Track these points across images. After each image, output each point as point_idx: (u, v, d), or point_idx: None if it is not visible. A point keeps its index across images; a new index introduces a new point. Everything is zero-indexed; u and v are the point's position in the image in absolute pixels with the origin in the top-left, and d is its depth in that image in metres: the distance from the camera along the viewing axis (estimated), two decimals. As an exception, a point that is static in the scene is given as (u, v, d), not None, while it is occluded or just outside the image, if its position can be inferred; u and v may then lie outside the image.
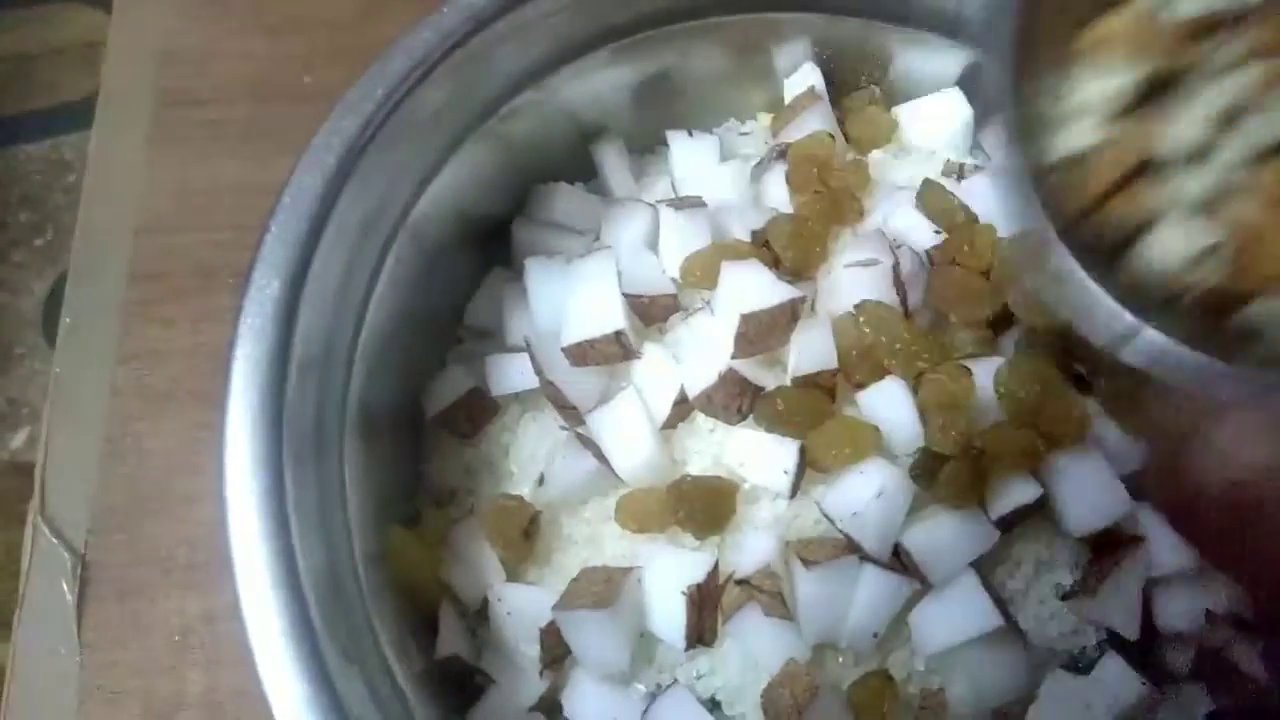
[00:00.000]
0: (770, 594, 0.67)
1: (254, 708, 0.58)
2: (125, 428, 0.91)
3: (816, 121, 0.86)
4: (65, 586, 0.86)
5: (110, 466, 0.90)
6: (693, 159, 0.87)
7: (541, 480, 0.75)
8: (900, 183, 0.86)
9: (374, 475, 0.74)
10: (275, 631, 0.59)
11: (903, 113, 0.91)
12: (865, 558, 0.69)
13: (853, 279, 0.74)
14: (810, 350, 0.71)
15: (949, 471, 0.68)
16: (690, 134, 0.89)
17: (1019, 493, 0.69)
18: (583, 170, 0.90)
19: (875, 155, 0.89)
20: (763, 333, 0.71)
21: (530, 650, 0.72)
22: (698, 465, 0.74)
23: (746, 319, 0.71)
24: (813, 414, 0.71)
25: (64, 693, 0.83)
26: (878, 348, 0.71)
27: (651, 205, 0.83)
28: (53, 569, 0.87)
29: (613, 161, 0.89)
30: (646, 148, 0.93)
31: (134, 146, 1.02)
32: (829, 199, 0.81)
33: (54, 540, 0.87)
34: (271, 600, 0.60)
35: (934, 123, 0.90)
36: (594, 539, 0.75)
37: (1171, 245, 0.48)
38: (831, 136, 0.84)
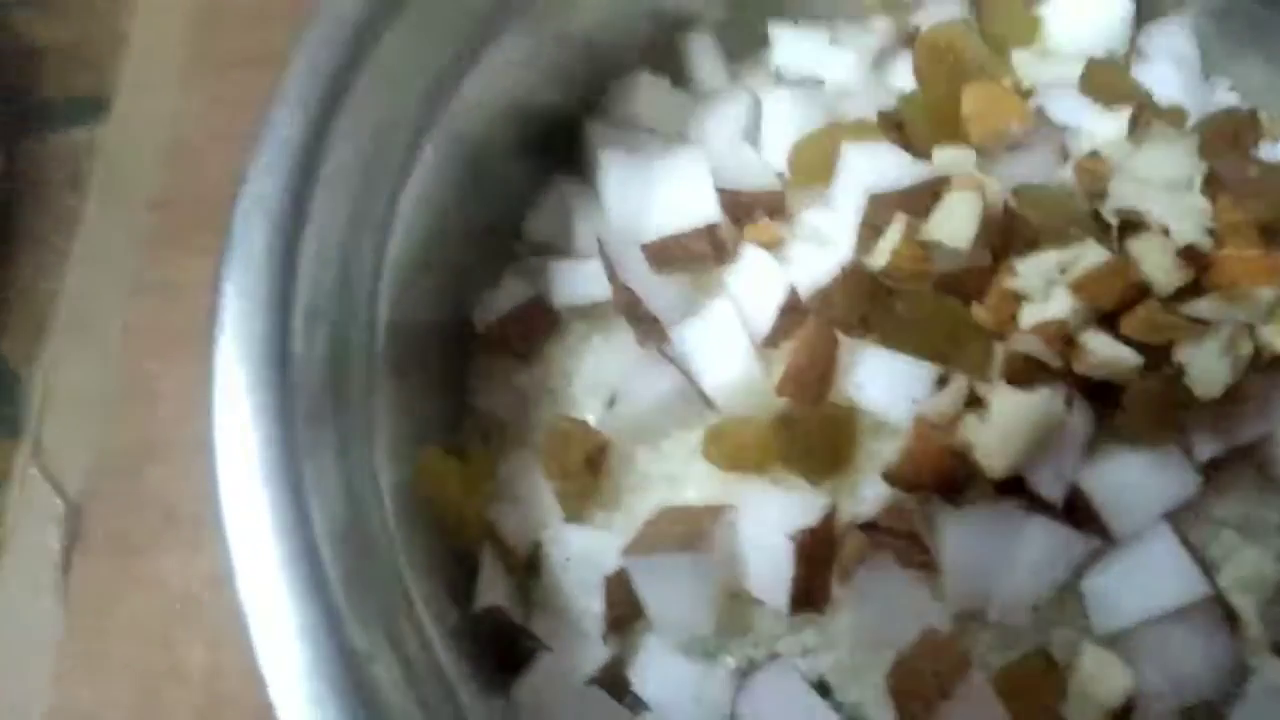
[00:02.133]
0: (906, 538, 0.53)
1: (265, 691, 0.45)
2: (137, 365, 0.81)
3: (950, 9, 0.73)
4: (53, 538, 0.76)
5: (118, 408, 0.80)
6: (801, 49, 0.74)
7: (612, 402, 0.62)
8: (1048, 82, 0.72)
9: (412, 409, 0.62)
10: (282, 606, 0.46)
11: (1049, 9, 0.77)
12: (1033, 504, 0.54)
13: (1010, 162, 0.59)
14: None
15: (1137, 393, 0.53)
16: (796, 23, 0.76)
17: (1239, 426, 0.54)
18: (663, 68, 0.77)
19: (1017, 56, 0.75)
20: (893, 218, 0.57)
21: (592, 607, 0.59)
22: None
23: (875, 200, 0.57)
24: (950, 325, 0.56)
25: (40, 659, 0.73)
26: (1045, 233, 0.56)
27: (752, 93, 0.70)
28: (42, 517, 0.77)
29: (703, 53, 0.76)
30: (743, 49, 0.79)
31: (168, 69, 0.94)
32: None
33: (47, 485, 0.78)
34: (276, 564, 0.47)
35: (1087, 20, 0.76)
36: (675, 479, 0.61)
37: None
38: (966, 23, 0.71)
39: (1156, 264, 0.51)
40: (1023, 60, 0.75)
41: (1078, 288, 0.52)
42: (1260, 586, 0.57)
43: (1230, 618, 0.56)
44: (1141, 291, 0.52)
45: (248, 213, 0.53)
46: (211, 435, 0.49)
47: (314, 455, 0.50)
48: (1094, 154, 0.56)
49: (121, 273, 0.85)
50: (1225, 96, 0.78)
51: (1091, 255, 0.52)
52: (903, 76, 0.71)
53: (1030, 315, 0.53)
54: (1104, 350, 0.51)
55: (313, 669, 0.45)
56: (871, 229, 0.57)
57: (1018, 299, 0.54)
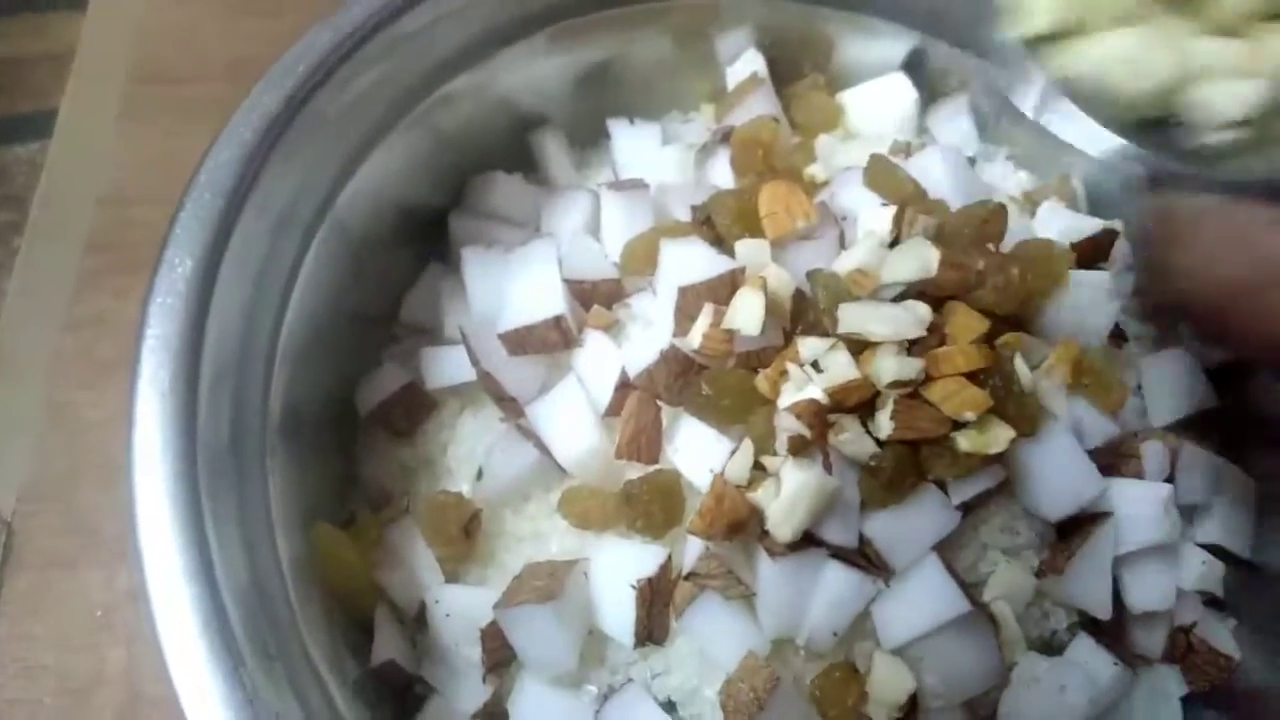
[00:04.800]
0: (725, 580, 0.64)
1: (176, 690, 0.54)
2: (67, 395, 0.88)
3: (761, 106, 0.84)
4: None
5: (48, 432, 0.86)
6: (635, 145, 0.84)
7: (480, 475, 0.71)
8: (847, 165, 0.83)
9: (304, 478, 0.71)
10: (191, 635, 0.55)
11: (848, 98, 0.89)
12: (832, 549, 0.65)
13: (798, 251, 0.70)
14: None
15: (889, 464, 0.64)
16: (632, 122, 0.86)
17: (982, 477, 0.66)
18: (520, 163, 0.87)
19: (822, 140, 0.87)
20: (701, 306, 0.68)
21: (472, 654, 0.68)
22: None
23: (684, 291, 0.68)
24: (745, 398, 0.66)
25: None
26: (826, 317, 0.67)
27: (593, 191, 0.80)
28: None
29: (553, 150, 0.86)
30: (588, 140, 0.90)
31: (103, 118, 1.00)
32: (774, 180, 0.78)
33: None
34: (187, 606, 0.55)
35: (880, 107, 0.88)
36: (538, 535, 0.71)
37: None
38: (776, 120, 0.82)
39: (887, 369, 0.62)
40: (826, 144, 0.86)
41: (830, 392, 0.63)
42: (1017, 595, 0.69)
43: (993, 623, 0.68)
44: (875, 391, 0.63)
45: (164, 290, 0.61)
46: (131, 489, 0.57)
47: (218, 515, 0.58)
48: (860, 270, 0.66)
49: (54, 308, 0.92)
50: (1002, 166, 0.90)
51: (838, 369, 0.63)
52: (721, 171, 0.81)
53: (788, 396, 0.63)
54: (851, 443, 0.63)
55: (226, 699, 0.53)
56: (685, 315, 0.68)
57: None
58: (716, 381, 0.66)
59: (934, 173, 0.77)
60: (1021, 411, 0.66)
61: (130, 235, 0.93)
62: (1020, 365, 0.66)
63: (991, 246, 0.69)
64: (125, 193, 0.96)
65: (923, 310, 0.64)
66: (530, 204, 0.83)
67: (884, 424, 0.62)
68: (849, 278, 0.66)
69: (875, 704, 0.65)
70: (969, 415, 0.62)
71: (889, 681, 0.65)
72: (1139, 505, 0.71)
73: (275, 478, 0.67)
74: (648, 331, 0.71)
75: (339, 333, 0.76)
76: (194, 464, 0.58)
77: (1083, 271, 0.73)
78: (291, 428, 0.70)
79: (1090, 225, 0.80)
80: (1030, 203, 0.84)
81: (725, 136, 0.82)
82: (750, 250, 0.70)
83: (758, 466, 0.64)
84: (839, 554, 0.65)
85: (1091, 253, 0.78)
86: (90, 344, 0.90)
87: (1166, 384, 0.80)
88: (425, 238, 0.84)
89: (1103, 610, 0.71)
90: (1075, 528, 0.71)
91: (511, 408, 0.72)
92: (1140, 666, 0.74)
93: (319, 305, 0.73)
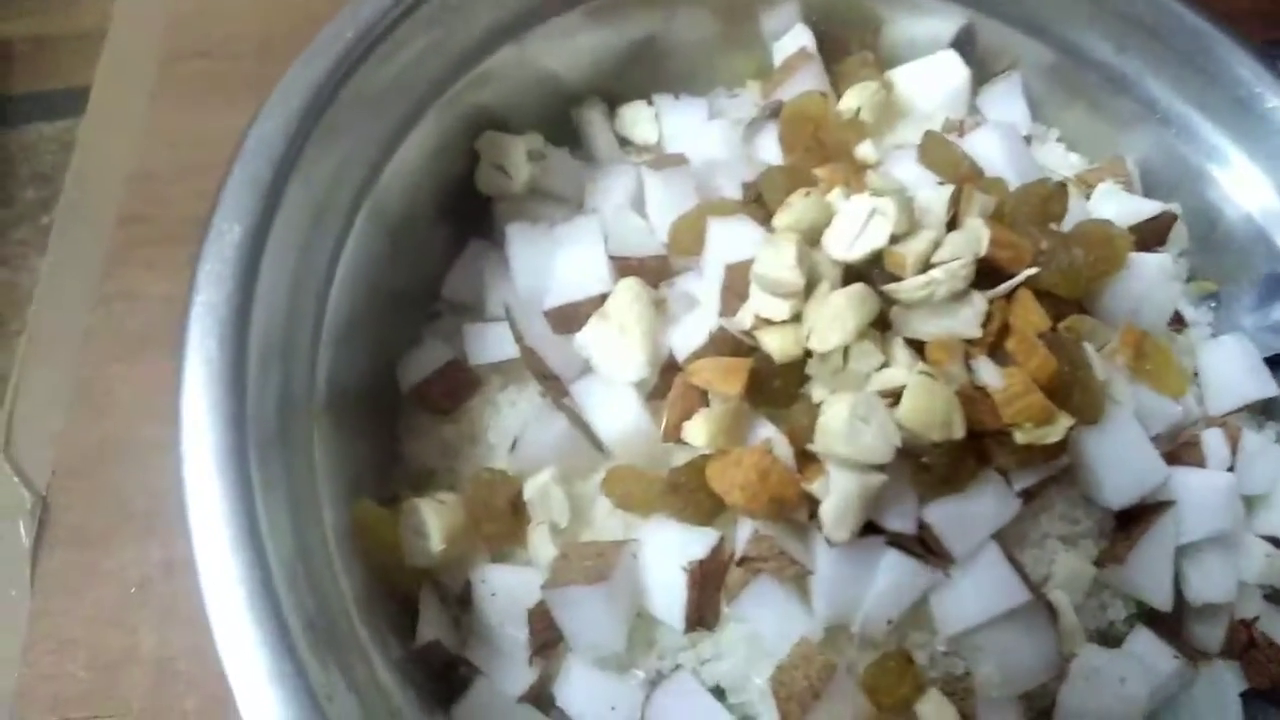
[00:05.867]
0: (779, 561, 0.62)
1: (208, 668, 0.52)
2: (98, 370, 0.87)
3: (809, 81, 0.82)
4: (23, 528, 0.81)
5: (79, 408, 0.86)
6: (681, 120, 0.83)
7: (514, 446, 0.70)
8: (898, 144, 0.81)
9: (348, 455, 0.69)
10: (238, 605, 0.53)
11: (898, 76, 0.87)
12: (891, 536, 0.63)
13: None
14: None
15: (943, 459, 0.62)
16: (677, 97, 0.84)
17: (1044, 465, 0.64)
18: (564, 138, 0.85)
19: (871, 120, 0.84)
20: (750, 286, 0.66)
21: (518, 635, 0.66)
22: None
23: (731, 269, 0.66)
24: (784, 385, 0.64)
25: (9, 639, 0.78)
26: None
27: (636, 166, 0.78)
28: (10, 508, 0.82)
29: (597, 125, 0.84)
30: (633, 117, 0.87)
31: (135, 95, 1.00)
32: (824, 155, 0.76)
33: (15, 479, 0.83)
34: (234, 575, 0.54)
35: (930, 85, 0.86)
36: (585, 517, 0.70)
37: None
38: (825, 95, 0.80)
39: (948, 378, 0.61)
40: (876, 124, 0.84)
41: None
42: (1077, 585, 0.68)
43: (1052, 614, 0.66)
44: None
45: (213, 256, 0.60)
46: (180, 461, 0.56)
47: (267, 491, 0.57)
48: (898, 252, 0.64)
49: (86, 284, 0.91)
50: (1053, 148, 0.89)
51: (894, 376, 0.61)
52: (769, 148, 0.79)
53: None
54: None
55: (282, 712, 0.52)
56: (734, 295, 0.66)
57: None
58: (764, 366, 0.64)
59: (990, 151, 0.76)
60: (1086, 398, 0.64)
61: (161, 212, 0.93)
62: (1089, 351, 0.64)
63: (1054, 226, 0.67)
64: (156, 170, 0.95)
65: (980, 304, 0.62)
66: (575, 179, 0.81)
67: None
68: (890, 257, 0.63)
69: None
70: (1029, 425, 0.61)
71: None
72: (1201, 494, 0.70)
73: (321, 451, 0.65)
74: (695, 312, 0.70)
75: (380, 310, 0.75)
76: (243, 433, 0.57)
77: (1142, 254, 0.71)
78: (337, 405, 0.69)
79: (1149, 208, 0.78)
80: (1085, 185, 0.82)
81: (774, 112, 0.80)
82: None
83: (809, 456, 0.63)
84: (897, 541, 0.64)
85: (1150, 235, 0.76)
86: (121, 319, 0.89)
87: (1226, 371, 0.78)
88: (466, 215, 0.83)
89: (1164, 601, 0.69)
90: (1137, 517, 0.70)
91: (554, 386, 0.70)
92: (1200, 662, 0.73)
93: (360, 281, 0.72)
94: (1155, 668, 0.68)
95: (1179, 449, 0.72)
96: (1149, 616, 0.71)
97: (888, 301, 0.63)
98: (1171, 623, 0.72)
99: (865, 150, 0.77)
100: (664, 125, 0.84)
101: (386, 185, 0.73)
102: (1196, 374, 0.78)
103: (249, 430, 0.58)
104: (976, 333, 0.62)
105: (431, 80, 0.75)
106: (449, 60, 0.75)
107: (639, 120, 0.84)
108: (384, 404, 0.77)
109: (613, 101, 0.87)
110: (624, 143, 0.86)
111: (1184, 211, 0.82)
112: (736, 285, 0.66)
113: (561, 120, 0.85)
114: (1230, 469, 0.73)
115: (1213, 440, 0.72)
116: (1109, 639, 0.71)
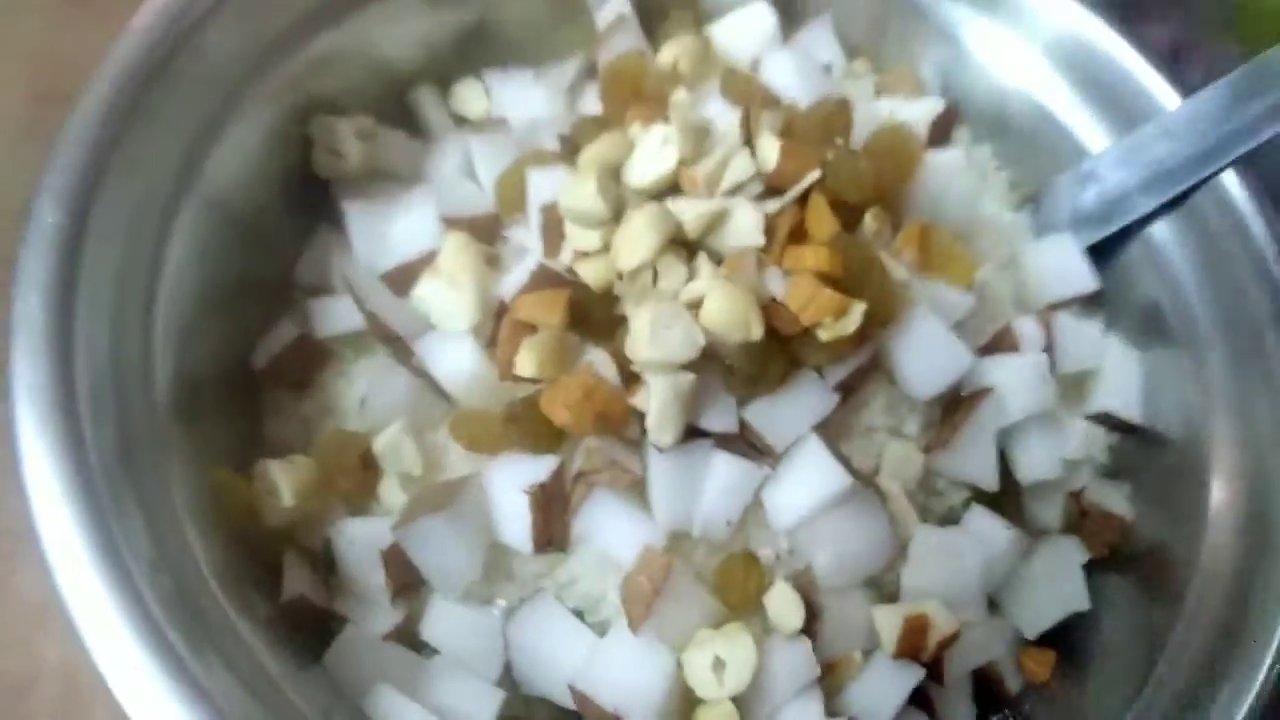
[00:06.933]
0: (612, 471, 0.65)
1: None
2: None
3: (627, 42, 0.86)
4: None
5: None
6: (508, 91, 0.86)
7: (363, 404, 0.72)
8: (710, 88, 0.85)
9: (205, 447, 0.70)
10: (110, 623, 0.57)
11: (715, 30, 0.91)
12: (718, 440, 0.67)
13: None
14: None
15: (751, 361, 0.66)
16: (505, 68, 0.88)
17: (852, 357, 0.68)
18: (403, 122, 0.88)
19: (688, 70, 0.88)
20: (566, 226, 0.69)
21: (378, 579, 0.69)
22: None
23: (546, 210, 0.70)
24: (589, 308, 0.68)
25: None
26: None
27: (464, 137, 0.82)
28: None
29: (430, 105, 0.87)
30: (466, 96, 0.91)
31: None
32: (646, 110, 0.80)
33: None
34: (96, 582, 0.58)
35: (743, 34, 0.90)
36: (440, 465, 0.73)
37: None
38: (642, 53, 0.84)
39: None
40: (694, 76, 0.88)
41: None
42: (907, 472, 0.71)
43: (883, 500, 0.70)
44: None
45: (24, 299, 0.61)
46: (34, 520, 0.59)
47: (120, 516, 0.59)
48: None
49: None
50: (862, 75, 0.93)
51: (698, 288, 0.65)
52: (591, 106, 0.83)
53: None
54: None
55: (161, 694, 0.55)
56: (554, 234, 0.70)
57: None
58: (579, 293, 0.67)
59: (784, 79, 0.80)
60: (881, 295, 0.67)
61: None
62: (878, 250, 0.68)
63: (840, 140, 0.71)
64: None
65: (756, 215, 0.66)
66: (410, 158, 0.84)
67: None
68: (685, 180, 0.67)
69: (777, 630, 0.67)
70: (828, 321, 0.64)
71: (785, 614, 0.67)
72: (1016, 377, 0.74)
73: (176, 457, 0.67)
74: (524, 260, 0.73)
75: (231, 299, 0.76)
76: (84, 451, 0.59)
77: (935, 153, 0.75)
78: (188, 403, 0.70)
79: (930, 107, 0.83)
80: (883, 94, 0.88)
81: (593, 70, 0.84)
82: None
83: (636, 376, 0.66)
84: (723, 442, 0.67)
85: (936, 134, 0.81)
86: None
87: (1048, 269, 0.82)
88: (316, 204, 0.85)
89: (990, 482, 0.73)
90: (959, 405, 0.73)
91: (400, 347, 0.73)
92: (1041, 540, 0.76)
93: (200, 281, 0.73)
94: (989, 541, 0.72)
95: (995, 339, 0.76)
96: (986, 499, 0.75)
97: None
98: (1011, 504, 0.76)
99: (680, 96, 0.81)
100: (494, 98, 0.87)
101: (216, 175, 0.74)
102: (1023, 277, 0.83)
103: (89, 449, 0.60)
104: (760, 240, 0.65)
105: (246, 66, 0.76)
106: (261, 46, 0.76)
107: (470, 97, 0.88)
108: (245, 392, 0.79)
109: (449, 82, 0.90)
110: (461, 121, 0.89)
111: (978, 109, 0.87)
112: (554, 224, 0.70)
113: (400, 104, 0.89)
114: (1046, 352, 0.77)
115: (1025, 327, 0.77)
116: (949, 523, 0.74)
